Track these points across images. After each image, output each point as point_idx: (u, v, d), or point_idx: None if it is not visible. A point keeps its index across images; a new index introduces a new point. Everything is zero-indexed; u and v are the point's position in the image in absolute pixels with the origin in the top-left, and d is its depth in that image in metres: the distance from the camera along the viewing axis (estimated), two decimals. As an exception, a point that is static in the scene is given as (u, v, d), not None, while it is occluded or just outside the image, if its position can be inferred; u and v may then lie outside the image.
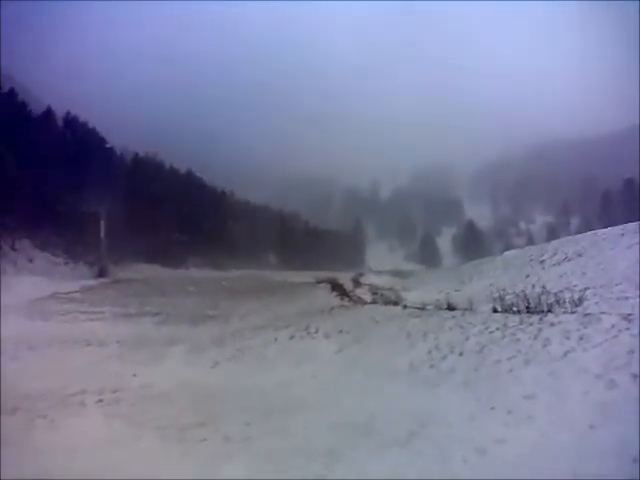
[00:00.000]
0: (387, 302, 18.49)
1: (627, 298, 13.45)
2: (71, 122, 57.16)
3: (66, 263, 43.19)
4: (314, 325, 14.42)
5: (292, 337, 13.69)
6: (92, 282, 34.27)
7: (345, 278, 30.86)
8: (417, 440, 6.96)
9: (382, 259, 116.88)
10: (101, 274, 40.26)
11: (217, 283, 35.88)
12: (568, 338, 9.24)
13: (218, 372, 11.76)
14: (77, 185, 44.28)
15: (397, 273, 43.15)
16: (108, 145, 61.32)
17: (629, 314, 10.30)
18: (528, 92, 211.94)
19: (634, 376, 7.31)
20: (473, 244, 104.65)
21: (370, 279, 33.87)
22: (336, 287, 25.66)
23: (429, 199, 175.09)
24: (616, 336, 8.82)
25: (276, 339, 13.71)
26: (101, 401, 9.93)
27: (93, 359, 13.55)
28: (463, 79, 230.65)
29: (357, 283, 29.53)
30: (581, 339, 9.07)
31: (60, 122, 56.14)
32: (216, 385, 10.71)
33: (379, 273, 44.32)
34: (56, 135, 51.81)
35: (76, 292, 27.66)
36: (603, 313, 10.82)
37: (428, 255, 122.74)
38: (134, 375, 11.80)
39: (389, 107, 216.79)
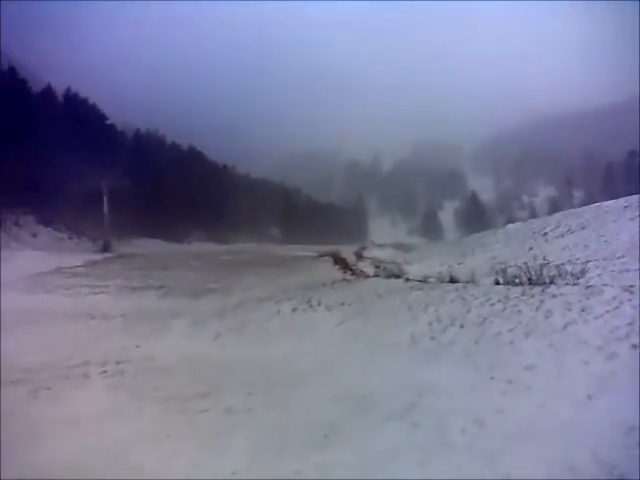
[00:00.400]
0: (389, 275, 18.54)
1: (629, 270, 13.45)
2: (71, 99, 56.80)
3: (70, 238, 43.41)
4: (316, 298, 14.46)
5: (294, 310, 13.73)
6: (96, 257, 34.40)
7: (348, 252, 30.91)
8: (416, 411, 7.00)
9: (384, 233, 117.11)
10: (105, 249, 40.46)
11: (219, 257, 35.97)
12: (570, 310, 9.25)
13: (220, 344, 11.80)
14: (79, 161, 44.12)
15: (399, 246, 43.22)
16: (109, 121, 60.98)
17: (631, 286, 10.30)
18: (529, 67, 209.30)
19: (634, 347, 7.33)
20: (476, 218, 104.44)
21: (372, 253, 33.94)
22: (338, 260, 25.70)
23: (431, 173, 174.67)
24: (617, 307, 8.84)
25: (278, 312, 13.75)
26: (105, 372, 10.00)
27: (97, 332, 13.60)
28: (465, 55, 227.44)
29: (359, 257, 29.56)
30: (582, 310, 9.08)
31: (60, 99, 55.75)
32: (218, 357, 10.78)
33: (381, 246, 44.45)
34: (56, 111, 51.46)
35: (80, 267, 27.73)
36: (605, 285, 10.82)
37: (430, 229, 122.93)
38: (137, 347, 11.86)
39: (390, 81, 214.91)
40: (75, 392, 8.84)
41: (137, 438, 6.87)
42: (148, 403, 8.30)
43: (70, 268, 26.37)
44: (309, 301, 14.24)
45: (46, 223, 41.96)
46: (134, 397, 8.60)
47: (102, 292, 19.81)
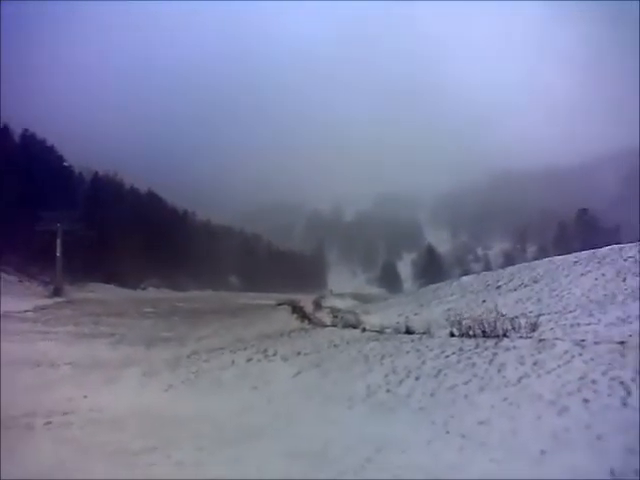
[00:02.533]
0: (347, 325, 18.44)
1: (580, 325, 13.75)
2: (28, 139, 55.95)
3: (20, 282, 41.90)
4: (272, 348, 14.27)
5: (249, 360, 13.48)
6: (46, 301, 33.28)
7: (306, 301, 30.73)
8: (372, 467, 6.88)
9: (344, 282, 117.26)
10: (56, 293, 39.14)
11: (175, 304, 35.27)
12: (523, 363, 9.36)
13: (172, 396, 11.45)
14: (34, 203, 43.17)
15: (358, 296, 43.35)
16: (66, 163, 60.11)
17: (582, 340, 10.53)
18: (488, 123, 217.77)
19: (585, 401, 7.44)
20: (432, 269, 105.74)
21: (331, 302, 33.86)
22: (296, 309, 25.50)
23: (390, 225, 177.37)
24: (569, 362, 8.99)
25: (233, 362, 13.47)
26: (49, 423, 9.55)
27: (43, 380, 13.04)
28: (425, 110, 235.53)
29: (318, 306, 29.42)
30: (535, 364, 9.20)
31: (17, 139, 54.90)
32: (168, 409, 10.43)
33: (340, 296, 44.42)
34: (12, 152, 50.58)
35: (29, 311, 26.80)
36: (557, 339, 11.02)
37: (389, 279, 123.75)
38: (85, 397, 11.39)
39: (352, 135, 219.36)
40: (18, 444, 8.38)
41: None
42: (94, 457, 7.92)
43: (19, 313, 25.40)
44: (265, 351, 14.03)
45: (-5, 266, 40.54)
46: (79, 451, 8.20)
47: (51, 339, 19.07)
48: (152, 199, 79.29)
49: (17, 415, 9.89)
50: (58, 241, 41.21)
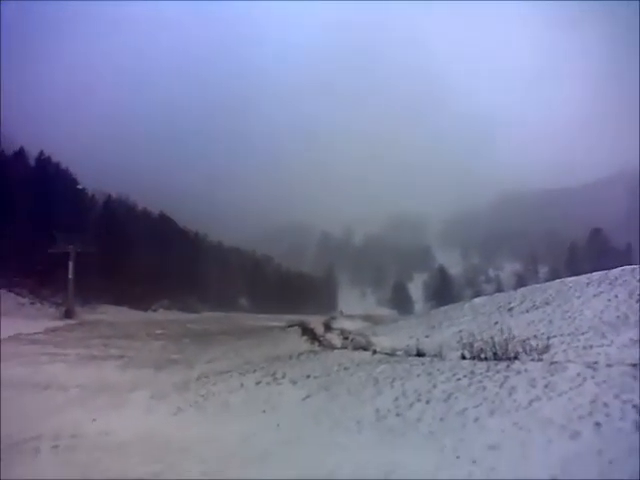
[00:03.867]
0: (357, 347, 18.32)
1: (592, 346, 13.56)
2: (43, 162, 56.90)
3: (32, 303, 42.19)
4: (281, 370, 14.18)
5: (258, 383, 13.39)
6: (57, 323, 33.42)
7: (316, 322, 30.61)
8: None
9: (354, 304, 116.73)
10: (67, 315, 39.32)
11: (185, 326, 35.28)
12: (534, 386, 9.22)
13: (179, 419, 11.38)
14: (47, 225, 43.67)
15: (368, 318, 43.04)
16: (80, 186, 60.92)
17: (594, 362, 10.38)
18: (498, 146, 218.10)
19: (597, 425, 7.30)
20: (443, 291, 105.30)
21: (341, 323, 33.65)
22: (306, 331, 25.38)
23: (401, 246, 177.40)
24: (580, 385, 8.85)
25: (242, 385, 13.39)
26: (56, 447, 9.54)
27: (51, 403, 13.04)
28: (437, 132, 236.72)
29: (328, 327, 29.27)
30: (546, 387, 9.06)
31: (32, 162, 55.78)
32: (176, 433, 10.35)
33: (351, 317, 44.18)
34: (28, 175, 51.37)
35: (40, 333, 26.87)
36: (569, 361, 10.87)
37: (400, 300, 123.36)
38: (93, 420, 11.35)
39: (365, 157, 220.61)
40: (24, 468, 8.36)
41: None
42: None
43: (30, 335, 25.48)
44: (274, 374, 13.93)
45: (8, 287, 40.82)
46: (84, 475, 8.15)
47: (60, 361, 19.08)
48: (164, 221, 79.93)
49: (25, 438, 9.89)
50: (70, 263, 41.49)
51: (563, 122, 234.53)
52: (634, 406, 7.54)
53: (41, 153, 57.25)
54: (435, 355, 14.34)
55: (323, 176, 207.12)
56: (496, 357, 12.32)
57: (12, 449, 9.23)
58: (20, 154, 54.03)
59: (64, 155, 62.29)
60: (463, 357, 13.27)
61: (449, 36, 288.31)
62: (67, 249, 41.69)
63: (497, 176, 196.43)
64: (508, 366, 10.70)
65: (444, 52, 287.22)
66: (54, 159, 58.65)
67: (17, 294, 41.51)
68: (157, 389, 14.14)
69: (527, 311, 21.15)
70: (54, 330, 28.99)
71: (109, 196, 69.34)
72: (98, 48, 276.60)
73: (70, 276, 41.56)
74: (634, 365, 9.61)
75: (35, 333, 26.49)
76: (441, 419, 9.00)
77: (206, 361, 18.69)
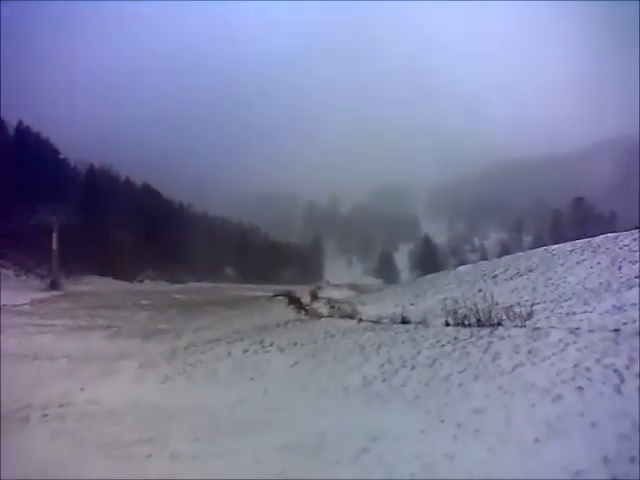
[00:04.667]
0: (343, 315, 18.49)
1: (575, 313, 13.78)
2: (23, 132, 55.72)
3: (17, 275, 41.91)
4: (269, 339, 14.29)
5: (246, 351, 13.50)
6: (43, 295, 33.33)
7: (303, 291, 30.76)
8: (367, 457, 6.92)
9: (341, 273, 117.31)
10: (52, 287, 39.15)
11: (172, 297, 35.30)
12: (517, 352, 9.39)
13: (168, 388, 11.47)
14: (29, 196, 43.06)
15: (354, 287, 43.38)
16: (62, 156, 59.92)
17: (576, 328, 10.57)
18: (483, 113, 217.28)
19: (579, 389, 7.47)
20: (429, 259, 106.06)
21: (328, 293, 33.85)
22: (293, 300, 25.52)
23: (387, 216, 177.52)
24: (563, 350, 9.01)
25: (229, 353, 13.49)
26: (45, 416, 9.58)
27: (40, 373, 13.06)
28: (423, 102, 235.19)
29: (314, 296, 29.43)
30: (530, 353, 9.23)
31: (12, 132, 54.66)
32: (165, 401, 10.45)
33: (337, 287, 44.46)
34: (7, 145, 50.37)
35: (26, 305, 26.78)
36: (552, 327, 11.05)
37: (386, 270, 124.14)
38: (82, 390, 11.40)
39: (352, 126, 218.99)
40: (14, 437, 8.41)
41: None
42: (90, 449, 7.95)
43: (16, 306, 25.38)
44: (261, 342, 14.05)
45: (-8, 259, 40.47)
46: (75, 442, 8.23)
47: (48, 332, 19.05)
48: (147, 192, 79.06)
49: (13, 408, 9.92)
50: (54, 234, 41.12)
51: (550, 91, 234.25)
52: (615, 370, 7.71)
53: (20, 123, 56.10)
54: (420, 322, 14.52)
55: (309, 145, 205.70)
56: (480, 324, 12.49)
57: (2, 419, 9.26)
58: (-1, 124, 52.92)
59: (43, 125, 61.12)
60: (447, 324, 13.44)
61: (437, 4, 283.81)
62: (50, 220, 41.26)
63: (484, 145, 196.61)
64: (492, 332, 10.87)
65: (431, 20, 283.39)
66: (33, 129, 57.57)
67: (1, 266, 41.16)
68: (145, 358, 14.20)
69: (511, 278, 21.41)
70: (40, 301, 28.91)
71: (91, 166, 68.34)
72: (85, 19, 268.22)
73: (54, 247, 41.24)
74: (616, 331, 9.80)
75: (21, 304, 26.40)
76: (426, 384, 9.16)
77: (194, 330, 18.77)
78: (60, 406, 10.17)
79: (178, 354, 14.40)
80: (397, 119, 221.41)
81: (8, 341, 16.97)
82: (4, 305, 25.02)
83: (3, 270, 40.85)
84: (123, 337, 18.30)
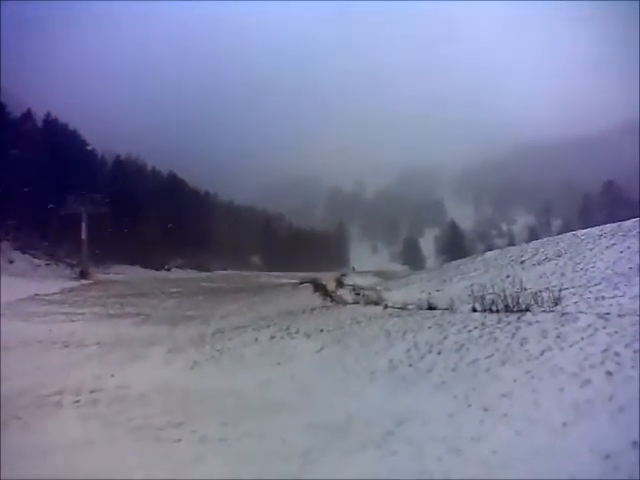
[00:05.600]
0: (369, 302, 18.49)
1: (604, 298, 13.57)
2: (51, 124, 56.58)
3: (47, 265, 42.72)
4: (295, 325, 14.39)
5: (272, 337, 13.62)
6: (73, 284, 33.95)
7: (328, 278, 30.84)
8: (393, 440, 6.96)
9: (366, 260, 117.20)
10: (82, 276, 39.83)
11: (199, 284, 35.71)
12: (545, 337, 9.29)
13: (196, 373, 11.67)
14: (58, 187, 43.83)
15: (380, 273, 43.24)
16: (89, 147, 60.76)
17: (606, 313, 10.42)
18: (511, 96, 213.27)
19: (608, 374, 7.38)
20: (455, 245, 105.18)
21: (353, 279, 33.83)
22: (318, 287, 25.59)
23: (412, 201, 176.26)
24: (592, 335, 8.90)
25: (256, 339, 13.64)
26: (78, 402, 9.83)
27: (71, 360, 13.36)
28: (447, 84, 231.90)
29: (340, 283, 29.47)
30: (558, 338, 9.13)
31: (40, 124, 55.53)
32: (194, 386, 10.63)
33: (362, 273, 44.41)
34: (36, 137, 51.24)
35: (56, 294, 27.36)
36: (580, 312, 10.92)
37: (411, 255, 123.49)
38: (112, 376, 11.66)
39: (374, 109, 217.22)
40: (47, 421, 8.65)
41: (108, 469, 6.71)
42: (121, 433, 8.15)
43: (47, 295, 25.96)
44: (288, 328, 14.15)
45: (23, 249, 41.30)
46: (106, 427, 8.44)
47: (78, 320, 19.47)
48: (173, 181, 79.88)
49: (47, 394, 10.20)
50: (83, 224, 41.79)
51: (577, 71, 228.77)
52: (645, 354, 7.59)
53: (48, 115, 56.95)
54: (446, 308, 14.44)
55: (333, 130, 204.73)
56: (507, 309, 12.38)
57: (35, 403, 9.53)
58: (27, 116, 53.75)
59: (70, 116, 61.94)
60: (474, 310, 13.35)
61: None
62: (79, 210, 41.94)
63: (510, 127, 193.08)
64: (519, 318, 10.78)
65: (450, 5, 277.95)
66: (62, 120, 58.42)
67: (32, 256, 42.02)
68: (173, 344, 14.45)
69: (539, 264, 21.14)
70: (70, 290, 29.50)
71: (118, 156, 69.22)
72: (104, 11, 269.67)
73: (83, 237, 41.92)
74: (646, 315, 9.63)
75: (52, 293, 26.98)
76: (453, 369, 9.14)
77: (221, 317, 18.99)
78: (91, 392, 10.41)
79: (206, 340, 14.61)
80: (422, 102, 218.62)
81: (40, 328, 17.43)
82: (36, 294, 25.64)
83: (34, 260, 41.75)
84: (152, 324, 18.60)
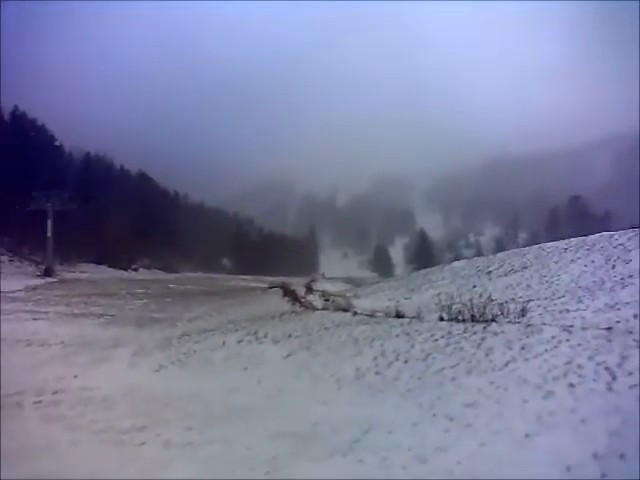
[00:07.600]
0: (338, 309, 18.51)
1: (568, 311, 13.88)
2: (19, 118, 55.39)
3: (11, 261, 41.79)
4: (263, 330, 14.32)
5: (240, 341, 13.53)
6: (37, 281, 33.28)
7: (298, 284, 30.82)
8: (359, 448, 6.97)
9: (336, 266, 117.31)
10: (47, 273, 39.04)
11: (167, 286, 35.28)
12: (510, 348, 9.46)
13: (162, 376, 11.50)
14: (24, 182, 42.89)
15: (349, 280, 43.48)
16: (57, 143, 59.63)
17: (569, 326, 10.65)
18: (482, 109, 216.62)
19: (571, 386, 7.54)
20: (424, 254, 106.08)
21: (322, 285, 33.92)
22: (288, 292, 25.53)
23: (384, 209, 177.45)
24: (556, 346, 9.10)
25: (224, 343, 13.52)
26: (39, 402, 9.60)
27: (34, 360, 13.08)
28: (421, 96, 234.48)
29: (309, 289, 29.47)
30: (522, 349, 9.31)
31: (7, 117, 54.33)
32: (159, 389, 10.47)
33: (332, 280, 44.58)
34: (3, 130, 50.12)
35: (20, 291, 26.77)
36: (545, 324, 11.14)
37: (381, 263, 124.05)
38: (75, 377, 11.43)
39: (349, 117, 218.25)
40: (6, 423, 8.41)
41: (70, 473, 6.56)
42: (84, 436, 7.98)
43: (10, 292, 25.33)
44: (256, 333, 14.08)
45: (-14, 245, 40.37)
46: (69, 429, 8.25)
47: (42, 318, 19.05)
48: (143, 180, 78.87)
49: (7, 394, 9.91)
50: (49, 221, 40.96)
51: (548, 88, 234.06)
52: (607, 368, 7.79)
53: (15, 108, 55.76)
54: (414, 317, 14.56)
55: (308, 137, 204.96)
56: (474, 319, 12.55)
57: (-5, 404, 9.27)
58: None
59: (39, 112, 60.71)
60: (441, 319, 13.50)
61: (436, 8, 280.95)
62: (45, 207, 41.09)
63: (482, 141, 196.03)
64: (485, 328, 10.94)
65: (427, 9, 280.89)
66: (30, 115, 57.27)
67: (-4, 252, 41.11)
68: (139, 346, 14.23)
69: (505, 275, 21.50)
70: (34, 288, 28.87)
71: (87, 153, 68.06)
72: (84, 14, 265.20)
73: (49, 234, 41.08)
74: (608, 329, 9.89)
75: (15, 291, 26.37)
76: (419, 378, 9.22)
77: (188, 320, 18.79)
78: (54, 393, 10.18)
79: (172, 343, 14.42)
80: (396, 112, 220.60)
81: (2, 327, 16.97)
82: (-2, 291, 25.00)
83: (-3, 256, 40.80)
84: (117, 325, 18.30)
